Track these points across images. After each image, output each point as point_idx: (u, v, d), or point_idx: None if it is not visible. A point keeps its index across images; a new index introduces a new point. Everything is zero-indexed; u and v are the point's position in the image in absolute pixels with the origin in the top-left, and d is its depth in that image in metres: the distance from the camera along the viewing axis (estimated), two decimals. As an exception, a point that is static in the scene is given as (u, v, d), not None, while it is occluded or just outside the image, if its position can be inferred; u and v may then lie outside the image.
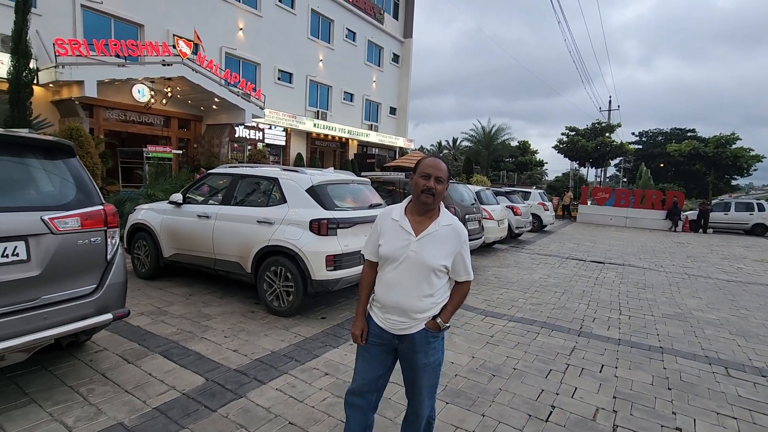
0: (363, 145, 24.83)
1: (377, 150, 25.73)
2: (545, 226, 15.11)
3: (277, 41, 18.38)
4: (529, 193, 15.18)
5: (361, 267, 4.57)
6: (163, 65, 12.00)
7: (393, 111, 27.40)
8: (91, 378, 2.95)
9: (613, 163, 32.20)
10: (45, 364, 3.08)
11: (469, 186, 8.70)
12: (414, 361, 1.87)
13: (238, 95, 14.38)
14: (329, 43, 21.55)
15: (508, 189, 12.95)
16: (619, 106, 51.57)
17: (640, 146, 49.07)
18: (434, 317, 1.86)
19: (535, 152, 32.61)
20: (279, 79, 18.84)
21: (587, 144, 24.45)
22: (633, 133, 55.34)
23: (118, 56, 11.44)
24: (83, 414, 2.51)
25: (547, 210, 14.63)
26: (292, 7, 19.14)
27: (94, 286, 2.81)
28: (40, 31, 10.65)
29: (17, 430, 2.32)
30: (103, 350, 3.40)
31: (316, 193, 4.47)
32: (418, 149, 55.87)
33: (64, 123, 10.75)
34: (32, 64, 9.14)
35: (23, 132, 2.67)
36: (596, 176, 31.61)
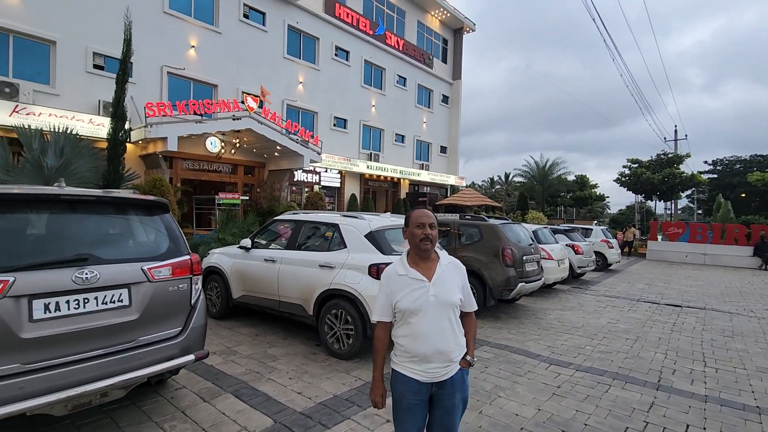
0: (414, 184, 25.20)
1: (428, 188, 25.97)
2: (610, 264, 14.20)
3: (333, 91, 19.66)
4: (591, 229, 14.46)
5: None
6: (233, 119, 13.23)
7: (443, 150, 27.77)
8: (173, 415, 3.20)
9: (684, 194, 29.90)
10: (134, 400, 3.38)
11: (525, 225, 8.52)
12: (453, 402, 1.97)
13: (297, 142, 15.38)
14: (381, 89, 22.65)
15: (567, 226, 12.46)
16: (686, 136, 48.26)
17: (715, 176, 45.19)
18: (464, 356, 2.02)
19: (595, 186, 31.11)
20: (335, 125, 19.96)
21: (653, 176, 22.99)
22: (705, 162, 51.29)
23: (195, 113, 12.80)
24: (168, 450, 2.72)
25: (612, 247, 13.79)
26: (347, 60, 20.51)
27: (180, 328, 3.10)
28: (134, 97, 12.28)
29: (114, 462, 2.57)
30: (182, 388, 3.67)
31: (374, 238, 4.65)
32: (469, 186, 55.66)
33: (149, 174, 12.09)
34: (126, 125, 10.54)
35: (128, 193, 3.11)
36: (666, 209, 29.41)
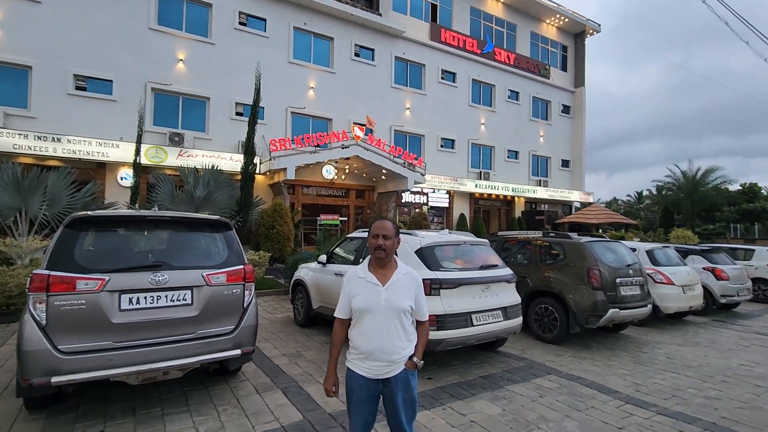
0: (531, 202, 23.72)
1: (547, 206, 24.12)
2: (786, 295, 11.09)
3: (439, 113, 20.07)
4: (752, 251, 11.62)
5: (467, 329, 4.53)
6: (342, 148, 14.62)
7: (566, 164, 25.58)
8: (229, 401, 3.79)
9: None
10: (207, 385, 4.09)
11: (629, 243, 7.42)
12: (397, 400, 2.14)
13: (403, 166, 16.12)
14: (491, 106, 22.23)
15: (708, 246, 10.30)
16: None
17: None
18: (410, 357, 2.18)
19: (775, 196, 24.62)
20: (442, 146, 20.26)
21: None
22: None
23: (311, 145, 14.53)
24: (211, 427, 3.27)
25: (786, 273, 10.81)
26: (453, 82, 20.80)
27: (233, 326, 3.70)
28: (265, 135, 14.58)
29: (170, 429, 3.21)
30: (246, 380, 4.28)
31: (423, 254, 4.74)
32: (610, 202, 49.34)
33: (274, 200, 14.07)
34: (256, 160, 12.57)
35: (199, 214, 3.88)
36: None
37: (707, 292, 8.55)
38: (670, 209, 22.75)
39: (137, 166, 11.13)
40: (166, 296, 3.38)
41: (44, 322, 2.95)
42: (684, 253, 9.17)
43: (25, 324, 2.94)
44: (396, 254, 4.94)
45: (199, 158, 12.97)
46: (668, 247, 8.32)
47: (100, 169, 12.49)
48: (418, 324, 2.30)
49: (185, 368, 3.40)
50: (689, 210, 22.12)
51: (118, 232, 3.51)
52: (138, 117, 11.26)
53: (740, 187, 24.27)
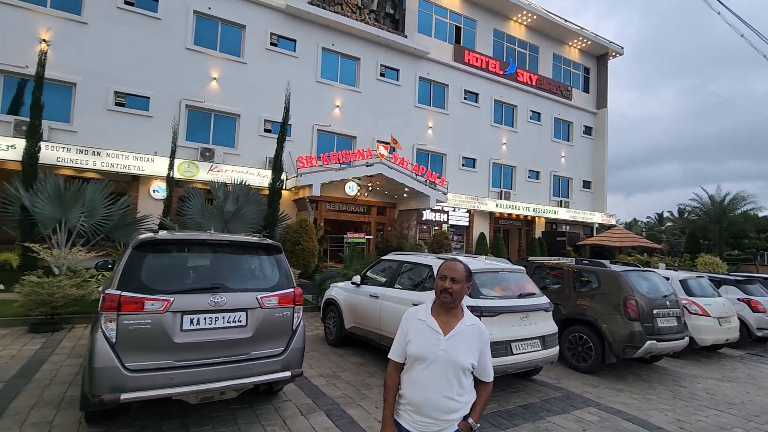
0: (552, 223, 23.50)
1: (568, 227, 23.87)
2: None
3: (461, 133, 20.24)
4: (787, 281, 11.27)
5: (507, 357, 4.54)
6: (366, 166, 14.84)
7: (587, 185, 25.37)
8: (275, 421, 3.86)
9: None
10: (252, 404, 4.18)
11: (663, 273, 7.32)
12: None
13: (425, 184, 16.25)
14: (512, 126, 22.32)
15: (742, 276, 10.06)
16: None
17: None
18: (465, 418, 1.92)
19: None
20: (463, 165, 20.35)
21: None
22: None
23: (336, 163, 14.79)
24: (263, 448, 3.35)
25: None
26: (476, 102, 21.00)
27: (282, 348, 3.79)
28: (291, 152, 14.91)
29: (225, 448, 3.30)
30: (288, 400, 4.36)
31: (463, 280, 4.78)
32: (630, 223, 48.46)
33: (298, 216, 14.30)
34: (283, 176, 12.86)
35: (252, 237, 4.03)
36: None
37: (743, 324, 8.33)
38: (696, 234, 22.27)
39: (170, 180, 11.50)
40: (224, 317, 3.51)
41: (114, 339, 3.10)
42: (717, 283, 8.98)
43: (96, 341, 3.08)
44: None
45: (228, 173, 13.32)
46: (702, 276, 8.17)
47: (134, 182, 12.92)
48: (481, 383, 2.02)
49: (240, 389, 3.50)
50: (717, 236, 21.60)
51: (180, 254, 3.68)
52: (172, 133, 11.67)
53: (770, 214, 23.74)
